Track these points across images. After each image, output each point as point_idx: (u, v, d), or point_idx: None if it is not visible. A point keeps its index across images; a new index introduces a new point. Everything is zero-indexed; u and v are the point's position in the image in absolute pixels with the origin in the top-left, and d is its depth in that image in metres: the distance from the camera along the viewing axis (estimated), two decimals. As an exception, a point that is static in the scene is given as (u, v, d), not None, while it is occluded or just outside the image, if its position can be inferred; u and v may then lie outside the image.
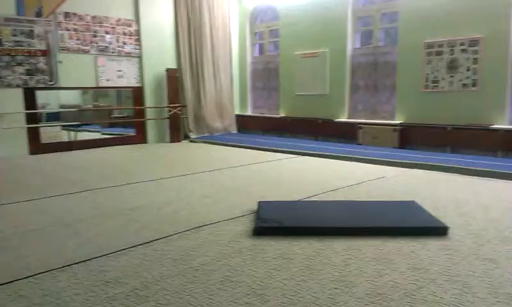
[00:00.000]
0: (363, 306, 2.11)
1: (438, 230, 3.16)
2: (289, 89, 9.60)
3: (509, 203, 3.98)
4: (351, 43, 8.48)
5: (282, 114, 9.83)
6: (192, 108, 9.68)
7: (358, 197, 4.30)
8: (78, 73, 7.99)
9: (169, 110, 9.13)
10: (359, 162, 6.33)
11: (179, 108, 9.29)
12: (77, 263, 2.68)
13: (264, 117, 10.30)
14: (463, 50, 6.79)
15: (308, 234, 3.13)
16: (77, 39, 7.95)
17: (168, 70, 9.01)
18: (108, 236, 3.19)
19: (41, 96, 7.77)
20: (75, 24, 7.90)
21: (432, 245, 2.92)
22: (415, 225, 3.23)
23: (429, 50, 7.17)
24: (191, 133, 9.65)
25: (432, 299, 2.17)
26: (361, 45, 8.54)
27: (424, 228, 3.19)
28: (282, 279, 2.42)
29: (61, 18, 7.72)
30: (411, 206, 3.71)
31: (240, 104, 10.90)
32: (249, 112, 10.80)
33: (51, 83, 7.66)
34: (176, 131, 9.28)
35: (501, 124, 6.51)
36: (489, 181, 4.98)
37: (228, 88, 10.34)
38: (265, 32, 10.39)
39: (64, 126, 8.40)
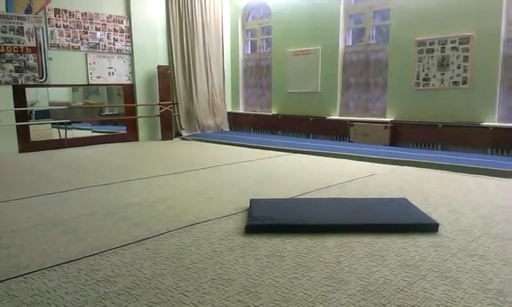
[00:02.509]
0: (355, 302, 2.12)
1: (428, 227, 3.18)
2: (281, 86, 9.60)
3: (499, 200, 4.03)
4: (343, 41, 8.50)
5: (274, 112, 9.84)
6: (184, 105, 9.65)
7: (349, 194, 4.32)
8: (68, 70, 7.91)
9: (161, 108, 9.08)
10: (350, 159, 6.36)
11: (171, 105, 9.25)
12: (68, 262, 2.66)
13: (256, 115, 10.29)
14: (454, 48, 6.84)
15: (300, 231, 3.13)
16: (68, 36, 7.87)
17: (159, 67, 8.96)
18: (99, 234, 3.17)
19: (31, 94, 7.68)
20: (65, 21, 7.82)
21: (423, 241, 2.95)
22: (406, 222, 3.25)
23: (420, 47, 7.21)
24: (183, 130, 9.62)
25: (422, 295, 2.19)
26: (353, 42, 8.56)
27: (414, 224, 3.21)
28: (274, 277, 2.42)
29: (51, 14, 7.64)
30: (402, 203, 3.73)
31: (232, 102, 10.88)
32: (241, 110, 10.78)
33: (41, 80, 7.58)
34: (168, 129, 9.24)
35: (491, 121, 6.57)
36: (479, 178, 5.04)
37: (220, 85, 10.32)
38: (258, 30, 10.37)
39: (54, 124, 8.32)
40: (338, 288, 2.28)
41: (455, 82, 6.88)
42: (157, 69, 8.95)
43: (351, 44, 8.54)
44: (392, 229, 3.14)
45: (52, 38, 7.68)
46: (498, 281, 2.35)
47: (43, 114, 8.29)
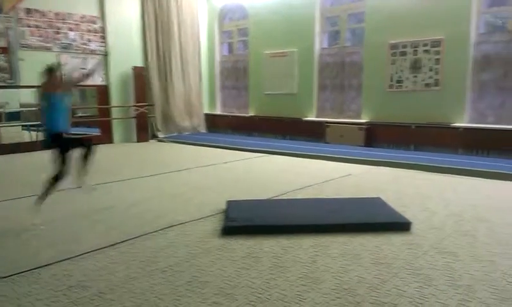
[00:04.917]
0: (330, 301, 2.15)
1: (401, 225, 3.25)
2: (258, 88, 9.62)
3: (469, 199, 4.15)
4: (319, 43, 8.59)
5: (251, 113, 9.85)
6: (160, 107, 9.54)
7: (325, 194, 4.37)
8: (40, 71, 7.70)
9: (136, 109, 8.96)
10: (327, 160, 6.43)
11: (146, 107, 9.14)
12: (39, 267, 2.59)
13: (233, 116, 10.27)
14: (426, 51, 7.00)
15: (277, 232, 3.15)
16: (39, 36, 7.68)
17: (134, 68, 8.85)
18: (72, 239, 3.10)
19: (1, 95, 7.45)
20: (37, 21, 7.63)
21: (396, 240, 3.01)
22: (379, 221, 3.31)
23: (394, 50, 7.36)
24: (159, 132, 9.52)
25: (395, 292, 2.23)
26: (329, 45, 8.66)
27: (388, 223, 3.27)
28: (251, 278, 2.43)
29: (22, 14, 7.44)
30: (376, 203, 3.80)
31: (209, 103, 10.83)
32: (218, 111, 10.75)
33: (11, 81, 7.36)
34: (144, 130, 9.12)
35: (461, 122, 6.76)
36: (450, 177, 5.17)
37: (197, 87, 10.26)
38: (234, 31, 10.37)
39: (24, 126, 8.09)
40: (313, 287, 2.31)
41: (427, 84, 7.04)
42: (132, 70, 8.83)
43: (326, 46, 8.64)
44: (367, 229, 3.20)
45: (24, 38, 7.47)
46: (468, 277, 2.42)
47: (13, 116, 8.05)
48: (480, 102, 6.70)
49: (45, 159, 6.83)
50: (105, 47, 8.58)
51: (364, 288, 2.28)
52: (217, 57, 10.60)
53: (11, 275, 2.49)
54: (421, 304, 2.11)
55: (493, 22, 6.89)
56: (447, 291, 2.24)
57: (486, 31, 6.67)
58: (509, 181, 4.89)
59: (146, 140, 9.12)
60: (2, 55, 7.22)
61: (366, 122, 7.74)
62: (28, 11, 7.51)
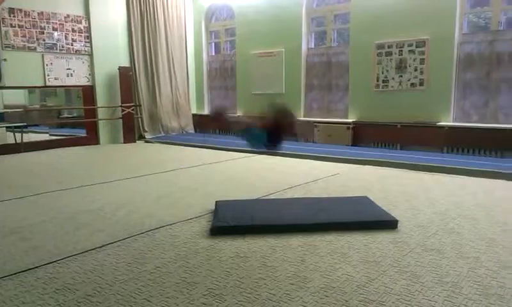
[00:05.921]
0: (318, 300, 2.16)
1: (388, 224, 3.28)
2: (246, 88, 9.62)
3: (454, 196, 4.21)
4: (306, 43, 8.62)
5: (240, 113, 9.83)
6: (147, 107, 9.48)
7: (313, 194, 4.39)
8: (24, 72, 7.59)
9: (123, 110, 8.88)
10: (315, 159, 6.45)
11: (133, 107, 9.07)
12: (25, 270, 2.56)
13: (221, 116, 10.22)
14: (411, 51, 7.09)
15: (265, 232, 3.15)
16: (23, 36, 7.56)
17: (120, 68, 8.76)
18: (57, 241, 3.06)
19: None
20: (20, 20, 7.51)
21: (383, 238, 3.04)
22: (367, 219, 3.34)
23: (380, 50, 7.42)
24: (146, 133, 9.45)
25: (383, 290, 2.25)
26: (316, 45, 8.70)
27: (375, 222, 3.30)
28: (239, 278, 2.42)
29: (5, 14, 7.31)
30: (363, 202, 3.83)
31: (197, 103, 10.79)
32: (206, 112, 10.71)
33: (-6, 82, 7.23)
34: (130, 131, 9.05)
35: (446, 121, 6.85)
36: (436, 175, 5.24)
37: (185, 87, 10.22)
38: (221, 31, 10.35)
39: (8, 127, 7.96)
40: (302, 286, 2.32)
41: (412, 84, 7.13)
42: (118, 70, 8.75)
43: (313, 46, 8.68)
44: (354, 227, 3.22)
45: (7, 39, 7.35)
46: (454, 274, 2.45)
47: (-3, 118, 7.92)
48: (465, 101, 6.80)
49: (30, 161, 6.75)
50: (90, 46, 8.49)
51: (352, 286, 2.30)
52: (205, 57, 10.57)
53: (-4, 279, 2.45)
54: (408, 301, 2.14)
55: (476, 22, 7.02)
56: (434, 288, 2.27)
57: (469, 31, 6.78)
58: (493, 179, 4.98)
59: (132, 141, 9.05)
60: (-15, 55, 7.09)
61: (353, 121, 7.79)
62: (11, 10, 7.39)
